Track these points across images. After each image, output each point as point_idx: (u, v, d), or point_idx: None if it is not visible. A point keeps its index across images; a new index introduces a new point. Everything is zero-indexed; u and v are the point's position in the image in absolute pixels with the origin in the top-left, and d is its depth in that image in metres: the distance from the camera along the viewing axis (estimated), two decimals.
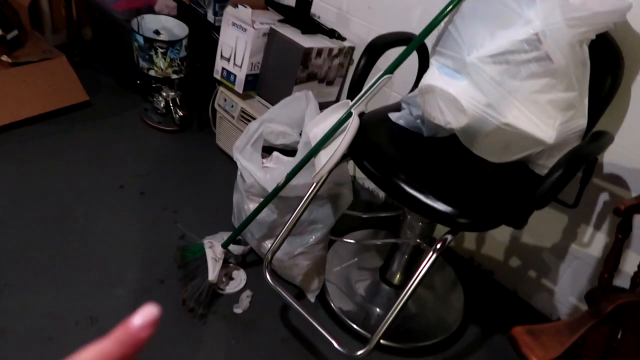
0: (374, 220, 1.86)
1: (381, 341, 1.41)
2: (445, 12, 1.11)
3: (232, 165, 1.97)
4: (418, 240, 1.45)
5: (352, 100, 1.23)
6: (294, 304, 1.25)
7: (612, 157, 1.34)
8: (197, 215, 1.72)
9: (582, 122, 1.13)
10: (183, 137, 2.07)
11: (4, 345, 1.23)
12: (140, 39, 1.81)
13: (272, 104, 1.74)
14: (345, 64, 1.80)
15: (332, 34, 1.71)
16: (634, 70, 1.24)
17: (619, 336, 0.89)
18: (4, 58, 1.90)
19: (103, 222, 1.62)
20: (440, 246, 1.12)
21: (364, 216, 1.69)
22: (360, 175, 2.00)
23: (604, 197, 1.42)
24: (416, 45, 1.16)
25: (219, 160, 2.00)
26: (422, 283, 1.43)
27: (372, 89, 1.17)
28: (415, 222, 1.43)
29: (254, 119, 1.74)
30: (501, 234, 1.68)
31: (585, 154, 1.04)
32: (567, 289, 1.60)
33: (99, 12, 2.14)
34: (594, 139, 1.09)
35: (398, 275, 1.59)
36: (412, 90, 1.50)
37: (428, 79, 1.14)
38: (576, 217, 1.48)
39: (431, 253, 1.13)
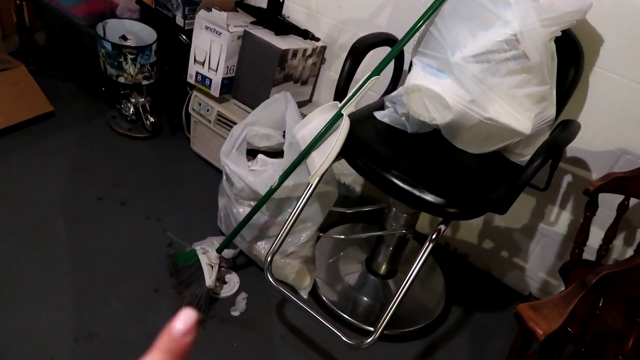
0: (353, 214, 1.92)
1: (369, 328, 1.49)
2: (427, 15, 1.18)
3: (210, 169, 1.99)
4: (403, 231, 1.53)
5: (340, 102, 1.28)
6: (298, 302, 1.30)
7: (575, 142, 1.46)
8: (182, 222, 1.71)
9: (552, 111, 1.24)
10: (155, 144, 2.05)
11: None
12: (108, 46, 1.77)
13: (250, 106, 1.76)
14: (318, 64, 1.85)
15: (306, 34, 1.74)
16: (591, 62, 1.36)
17: (600, 303, 1.00)
18: None
19: (86, 235, 1.59)
20: (436, 236, 1.19)
21: (349, 211, 1.75)
22: (336, 171, 2.05)
23: (567, 178, 1.55)
24: (400, 48, 1.23)
25: (195, 165, 2.00)
26: (406, 268, 1.52)
27: (360, 90, 1.23)
28: (400, 213, 1.50)
29: (232, 122, 1.75)
30: (475, 219, 1.79)
31: (560, 142, 1.15)
32: (537, 266, 1.73)
33: (56, 17, 2.07)
34: (565, 128, 1.20)
35: (384, 266, 1.66)
36: (387, 89, 1.57)
37: (413, 78, 1.21)
38: (544, 198, 1.61)
39: (427, 243, 1.20)
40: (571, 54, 1.28)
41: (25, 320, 1.31)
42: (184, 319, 0.26)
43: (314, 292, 1.61)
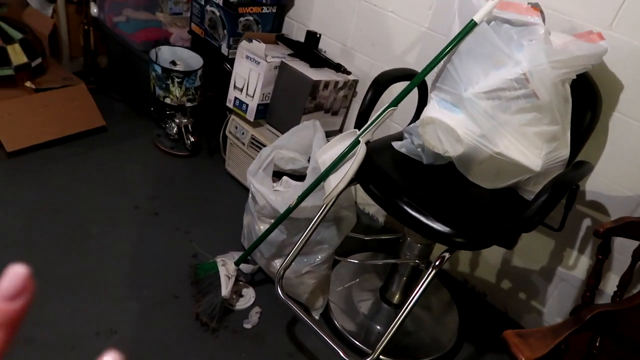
0: (374, 243, 1.96)
1: (381, 357, 1.51)
2: (445, 52, 1.25)
3: (240, 189, 2.09)
4: (417, 261, 1.56)
5: (359, 130, 1.36)
6: (303, 316, 1.34)
7: (594, 186, 1.47)
8: (208, 236, 1.81)
9: (565, 152, 1.26)
10: (194, 162, 2.19)
11: (31, 353, 1.31)
12: (159, 69, 1.94)
13: (281, 132, 1.86)
14: (349, 96, 1.94)
15: (338, 68, 1.85)
16: (611, 107, 1.38)
17: (597, 343, 0.99)
18: (28, 84, 2.02)
19: (119, 240, 1.71)
20: (439, 263, 1.22)
21: (366, 238, 1.79)
22: (361, 201, 2.11)
23: (586, 222, 1.54)
24: (418, 82, 1.30)
25: (228, 185, 2.11)
26: (421, 301, 1.53)
27: (378, 119, 1.30)
28: (414, 243, 1.53)
29: (264, 145, 1.86)
30: (493, 257, 1.79)
31: (568, 180, 1.16)
32: (555, 310, 1.70)
33: (117, 42, 2.28)
34: (576, 168, 1.22)
35: (397, 295, 1.69)
36: (412, 122, 1.64)
37: (429, 111, 1.27)
38: (562, 241, 1.60)
39: (430, 269, 1.23)
40: (588, 98, 1.31)
41: (55, 312, 1.42)
42: (11, 277, 0.20)
43: (326, 315, 1.65)
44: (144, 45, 2.16)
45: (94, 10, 2.29)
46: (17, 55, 1.99)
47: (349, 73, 1.88)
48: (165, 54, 2.07)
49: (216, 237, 1.82)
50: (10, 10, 2.15)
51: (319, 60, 1.85)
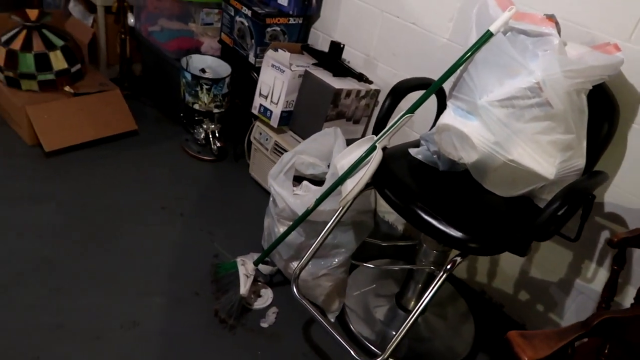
0: (392, 249, 1.99)
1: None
2: (461, 61, 1.28)
3: (263, 194, 2.15)
4: (432, 268, 1.57)
5: (376, 136, 1.40)
6: (318, 317, 1.38)
7: (612, 197, 1.47)
8: (230, 237, 1.87)
9: (581, 162, 1.27)
10: (219, 167, 2.26)
11: (59, 338, 1.38)
12: (189, 76, 2.03)
13: (303, 138, 1.91)
14: (371, 105, 1.99)
15: (360, 77, 1.90)
16: (629, 119, 1.38)
17: (606, 350, 0.99)
18: (67, 88, 2.14)
19: (145, 237, 1.79)
20: (450, 267, 1.25)
21: (383, 244, 1.82)
22: (381, 209, 2.14)
23: (605, 234, 1.53)
24: (434, 90, 1.33)
25: (251, 189, 2.18)
26: (436, 309, 1.53)
27: (394, 126, 1.34)
28: (430, 250, 1.55)
29: (286, 151, 1.91)
30: (511, 268, 1.79)
31: (581, 188, 1.17)
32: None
33: (151, 51, 2.39)
34: (590, 177, 1.23)
35: (413, 302, 1.70)
36: (431, 129, 1.67)
37: (444, 119, 1.30)
38: (580, 253, 1.59)
39: (441, 273, 1.26)
40: (605, 109, 1.31)
41: (80, 302, 1.50)
42: None
43: (342, 319, 1.67)
44: (176, 54, 2.26)
45: (131, 20, 2.41)
46: (58, 61, 2.12)
47: (371, 82, 1.93)
48: (195, 62, 2.16)
49: (238, 239, 1.88)
50: (54, 19, 2.28)
51: (342, 70, 1.91)
